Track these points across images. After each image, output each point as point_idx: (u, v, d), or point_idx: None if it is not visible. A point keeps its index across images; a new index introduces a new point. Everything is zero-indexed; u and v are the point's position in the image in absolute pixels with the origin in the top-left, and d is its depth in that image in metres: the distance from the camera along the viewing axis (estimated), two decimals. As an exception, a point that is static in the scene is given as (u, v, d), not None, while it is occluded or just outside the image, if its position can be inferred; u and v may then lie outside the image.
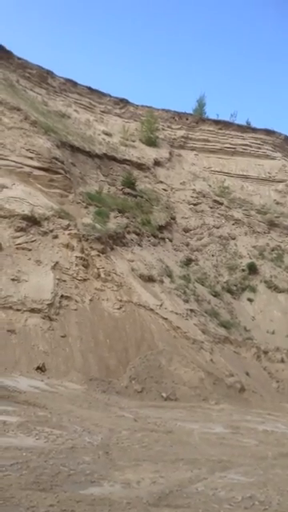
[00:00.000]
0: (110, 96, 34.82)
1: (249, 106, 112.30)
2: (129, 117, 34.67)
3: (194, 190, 30.79)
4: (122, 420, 10.54)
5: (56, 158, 21.87)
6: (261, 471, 7.74)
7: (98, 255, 19.02)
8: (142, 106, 35.76)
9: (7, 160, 20.07)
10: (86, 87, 33.63)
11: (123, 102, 35.28)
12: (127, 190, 25.96)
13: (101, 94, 34.30)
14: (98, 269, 18.37)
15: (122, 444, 8.35)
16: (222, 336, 19.81)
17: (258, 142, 36.84)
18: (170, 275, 21.58)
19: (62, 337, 14.97)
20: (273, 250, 29.03)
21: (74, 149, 25.14)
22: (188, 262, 24.47)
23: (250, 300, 24.85)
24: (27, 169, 20.47)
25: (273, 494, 6.51)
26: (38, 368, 13.45)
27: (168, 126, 35.54)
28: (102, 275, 18.24)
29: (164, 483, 6.49)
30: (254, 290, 25.46)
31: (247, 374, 18.17)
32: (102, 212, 21.92)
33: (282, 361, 19.99)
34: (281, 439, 10.85)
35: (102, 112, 33.67)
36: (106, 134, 30.77)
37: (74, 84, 33.05)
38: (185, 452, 8.44)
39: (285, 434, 11.53)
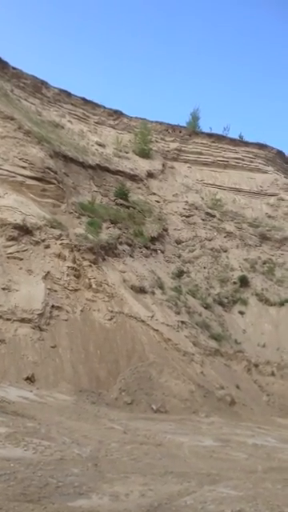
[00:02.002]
0: (104, 107, 34.97)
1: (242, 120, 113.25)
2: (122, 128, 34.82)
3: (186, 202, 30.89)
4: (112, 432, 10.45)
5: (49, 168, 21.86)
6: (250, 485, 7.69)
7: (90, 265, 18.97)
8: (136, 117, 35.93)
9: (0, 169, 20.05)
10: (80, 98, 33.75)
11: (117, 114, 35.43)
12: (120, 201, 25.99)
13: (95, 105, 34.44)
14: (90, 279, 18.31)
15: (111, 456, 8.28)
16: (212, 348, 19.76)
17: (251, 155, 37.10)
18: (161, 287, 21.55)
19: (52, 347, 14.86)
20: (264, 263, 29.11)
21: (68, 159, 25.16)
22: (180, 274, 24.46)
23: (241, 313, 24.84)
24: (20, 178, 20.44)
25: (262, 508, 6.47)
26: (28, 378, 13.33)
27: (161, 138, 35.70)
28: (94, 286, 18.18)
29: (153, 496, 6.43)
30: (245, 302, 25.48)
31: (237, 386, 18.11)
32: (95, 222, 21.91)
33: (273, 374, 19.96)
34: (271, 453, 10.81)
35: (96, 123, 33.78)
36: (100, 144, 30.86)
37: (68, 95, 33.17)
38: (174, 465, 8.37)
39: (275, 448, 11.49)
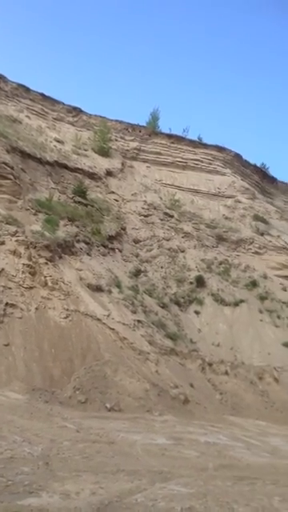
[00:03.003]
0: (63, 104, 34.67)
1: (201, 122, 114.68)
2: (82, 125, 34.60)
3: (145, 201, 30.96)
4: (64, 431, 10.36)
5: (5, 163, 21.47)
6: (201, 482, 7.77)
7: (46, 263, 18.73)
8: (96, 115, 35.81)
9: None
10: (39, 93, 33.35)
11: (76, 111, 35.20)
12: (78, 199, 25.80)
13: (54, 101, 34.09)
14: (46, 277, 18.08)
15: (62, 455, 8.20)
16: (168, 347, 19.85)
17: (209, 157, 37.53)
18: (118, 285, 21.50)
19: (5, 345, 14.59)
20: (220, 264, 29.49)
21: (25, 155, 24.78)
22: (137, 273, 24.47)
23: (196, 312, 25.06)
24: (-25, 173, 20.00)
25: (212, 505, 6.55)
26: (-21, 377, 13.04)
27: (121, 137, 35.68)
28: (49, 283, 17.96)
29: (104, 494, 6.41)
30: (201, 302, 25.72)
31: (192, 385, 18.25)
32: (52, 220, 21.65)
33: (226, 373, 20.21)
34: (222, 451, 10.95)
35: (55, 119, 33.45)
36: (58, 141, 30.55)
37: (27, 90, 32.71)
38: (126, 463, 8.37)
39: (226, 446, 11.64)
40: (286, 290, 29.38)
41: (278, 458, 11.29)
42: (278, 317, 26.54)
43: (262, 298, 27.55)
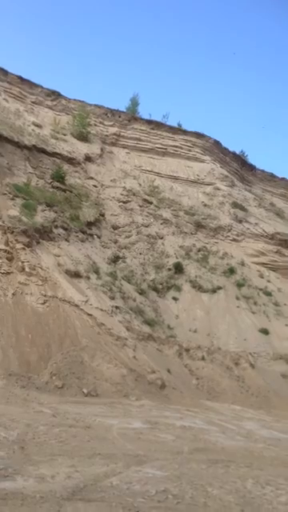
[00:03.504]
0: (42, 87, 34.20)
1: (181, 109, 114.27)
2: (60, 110, 34.20)
3: (124, 187, 30.84)
4: (40, 415, 10.38)
5: (-17, 147, 21.16)
6: (176, 465, 7.87)
7: (23, 248, 18.58)
8: (75, 99, 35.42)
9: None
10: (17, 76, 32.79)
11: (55, 94, 34.74)
12: (56, 184, 25.58)
13: (32, 85, 33.59)
14: (23, 262, 17.95)
15: (38, 439, 8.22)
16: (145, 333, 19.95)
17: (189, 144, 37.45)
18: (96, 271, 21.47)
19: (-18, 331, 14.50)
20: (199, 251, 29.64)
21: (2, 138, 24.44)
22: (115, 259, 24.45)
23: (174, 299, 25.19)
24: None
25: (186, 488, 6.64)
26: None
27: (100, 122, 35.38)
28: (27, 269, 17.84)
29: (79, 477, 6.46)
30: (179, 289, 25.86)
31: (169, 371, 18.41)
32: (29, 205, 21.45)
33: (203, 358, 20.42)
34: (197, 434, 11.10)
35: (33, 103, 32.99)
36: (36, 125, 30.16)
37: (5, 72, 32.13)
38: (102, 447, 8.43)
39: (201, 430, 11.80)
40: (262, 277, 29.73)
41: (252, 441, 11.49)
42: (255, 303, 26.87)
43: (240, 285, 27.83)
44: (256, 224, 33.75)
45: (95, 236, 24.84)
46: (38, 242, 19.88)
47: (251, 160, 44.07)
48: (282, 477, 7.91)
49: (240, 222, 33.27)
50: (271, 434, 12.90)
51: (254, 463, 8.82)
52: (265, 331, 24.92)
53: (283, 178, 45.35)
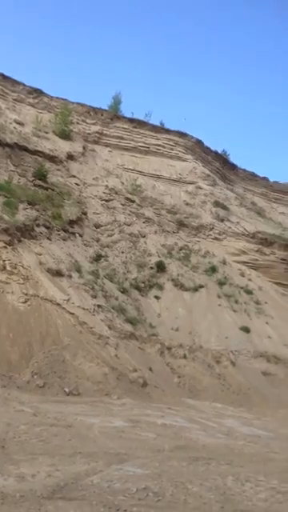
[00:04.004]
0: (24, 85, 33.96)
1: (163, 107, 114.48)
2: (42, 107, 34.01)
3: (106, 186, 30.82)
4: (21, 414, 10.34)
5: None
6: (157, 463, 7.92)
7: (5, 247, 18.45)
8: (57, 97, 35.27)
9: None
10: (-1, 73, 32.52)
11: (37, 92, 34.54)
12: (38, 182, 25.45)
13: (14, 82, 33.34)
14: (4, 261, 17.82)
15: (19, 438, 8.20)
16: (127, 332, 19.96)
17: (171, 143, 37.57)
18: (78, 270, 21.41)
19: None
20: (181, 250, 29.77)
21: (-17, 136, 24.23)
22: (97, 258, 24.41)
23: (156, 297, 25.26)
24: None
25: (167, 486, 6.68)
26: None
27: (82, 120, 35.28)
28: (8, 267, 17.71)
29: (59, 476, 6.47)
30: (161, 287, 25.93)
31: (150, 369, 18.46)
32: (11, 203, 21.29)
33: (185, 357, 20.52)
34: (178, 432, 11.17)
35: (15, 100, 32.73)
36: (18, 123, 29.95)
37: (-14, 70, 31.82)
38: (83, 445, 8.44)
39: (183, 428, 11.87)
40: (244, 276, 29.97)
41: (233, 439, 11.59)
42: (236, 301, 27.09)
43: (221, 284, 28.02)
44: (237, 223, 34.00)
45: (77, 234, 24.75)
46: (20, 241, 19.75)
47: (233, 159, 44.54)
48: (261, 473, 8.00)
49: (222, 220, 33.49)
50: (251, 432, 13.03)
51: (234, 460, 8.91)
52: (246, 329, 25.14)
53: (264, 178, 45.83)
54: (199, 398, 17.92)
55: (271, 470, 8.38)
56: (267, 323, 26.59)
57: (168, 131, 38.19)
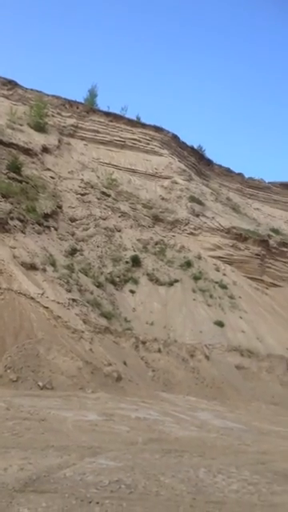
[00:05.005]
0: (-2, 76, 33.48)
1: (139, 102, 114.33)
2: (17, 99, 33.61)
3: (82, 180, 30.64)
4: (-6, 409, 10.25)
5: None
6: (130, 456, 7.94)
7: (-22, 240, 18.23)
8: (32, 89, 34.87)
9: None
10: (-28, 64, 32.01)
11: (11, 84, 34.12)
12: (12, 175, 25.12)
13: (-13, 73, 32.86)
14: (-23, 254, 17.61)
15: (-9, 432, 8.13)
16: (102, 326, 19.93)
17: (147, 137, 37.54)
18: (53, 264, 21.27)
19: None
20: (156, 244, 29.83)
21: None
22: (73, 252, 24.28)
23: (131, 292, 25.28)
24: None
25: (139, 478, 6.72)
26: None
27: (58, 113, 34.97)
28: (-19, 261, 17.51)
29: (32, 469, 6.44)
30: (136, 282, 25.96)
31: (125, 363, 18.48)
32: (-16, 196, 21.02)
33: (159, 351, 20.59)
34: (152, 425, 11.22)
35: (-11, 92, 32.27)
36: (-8, 115, 29.55)
37: None
38: (56, 439, 8.42)
39: (156, 421, 11.93)
40: (218, 271, 30.21)
41: (206, 431, 11.70)
42: (211, 296, 27.29)
43: (196, 278, 28.19)
44: (213, 218, 34.21)
45: (52, 228, 24.57)
46: (-7, 234, 19.53)
47: (208, 155, 44.68)
48: (233, 465, 8.10)
49: (197, 215, 33.65)
50: (224, 424, 13.17)
51: (206, 452, 8.99)
52: (220, 323, 25.36)
53: (239, 174, 46.17)
54: (173, 392, 18.03)
55: (243, 462, 8.49)
56: (241, 317, 26.88)
57: (144, 125, 38.15)
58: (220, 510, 5.90)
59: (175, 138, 39.46)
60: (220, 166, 45.06)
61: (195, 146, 42.91)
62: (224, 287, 28.75)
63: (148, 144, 37.39)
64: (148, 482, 6.62)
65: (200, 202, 35.16)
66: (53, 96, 35.70)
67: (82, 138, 35.15)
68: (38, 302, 17.88)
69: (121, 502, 5.69)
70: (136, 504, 5.73)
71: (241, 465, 8.22)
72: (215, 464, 8.08)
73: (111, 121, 36.83)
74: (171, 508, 5.75)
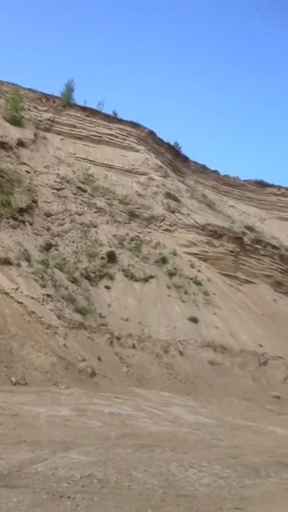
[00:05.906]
0: (-27, 69, 33.00)
1: (116, 97, 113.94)
2: (-7, 92, 33.15)
3: (58, 174, 30.44)
4: None
5: None
6: (102, 451, 8.00)
7: None
8: (8, 82, 34.41)
9: None
10: None
11: (-13, 77, 33.61)
12: (-13, 169, 24.86)
13: None
14: None
15: None
16: (77, 322, 19.91)
17: (124, 133, 37.47)
18: (28, 259, 21.12)
19: None
20: (132, 240, 29.84)
21: None
22: (48, 247, 24.14)
23: (107, 287, 25.26)
24: None
25: (111, 472, 6.78)
26: None
27: (34, 107, 34.63)
28: None
29: (3, 464, 6.44)
30: (111, 277, 25.94)
31: (99, 358, 18.51)
32: None
33: (134, 347, 20.67)
34: (125, 420, 11.29)
35: None
36: None
37: None
38: (28, 434, 8.41)
39: (129, 416, 12.01)
40: (193, 267, 30.40)
41: (178, 426, 11.84)
42: (185, 292, 27.46)
43: (171, 274, 28.32)
44: (188, 215, 34.36)
45: (27, 223, 24.39)
46: None
47: (185, 151, 44.79)
48: (204, 459, 8.23)
49: (173, 212, 33.75)
50: (197, 419, 13.33)
51: (178, 447, 9.10)
52: (194, 319, 25.54)
53: (215, 171, 46.45)
54: (147, 387, 18.14)
55: (214, 457, 8.62)
56: (215, 314, 27.12)
57: (121, 121, 38.06)
58: (191, 504, 5.98)
59: (152, 134, 39.47)
60: (196, 163, 45.25)
61: (172, 143, 43.00)
62: (198, 283, 28.94)
63: (125, 140, 37.32)
64: (120, 476, 6.69)
65: (176, 199, 35.26)
66: (29, 89, 35.32)
67: (59, 133, 34.90)
68: (12, 298, 17.77)
69: (92, 497, 5.74)
70: (107, 498, 5.78)
71: (212, 459, 8.35)
72: (187, 458, 8.19)
73: (88, 116, 36.65)
74: (142, 502, 5.82)
